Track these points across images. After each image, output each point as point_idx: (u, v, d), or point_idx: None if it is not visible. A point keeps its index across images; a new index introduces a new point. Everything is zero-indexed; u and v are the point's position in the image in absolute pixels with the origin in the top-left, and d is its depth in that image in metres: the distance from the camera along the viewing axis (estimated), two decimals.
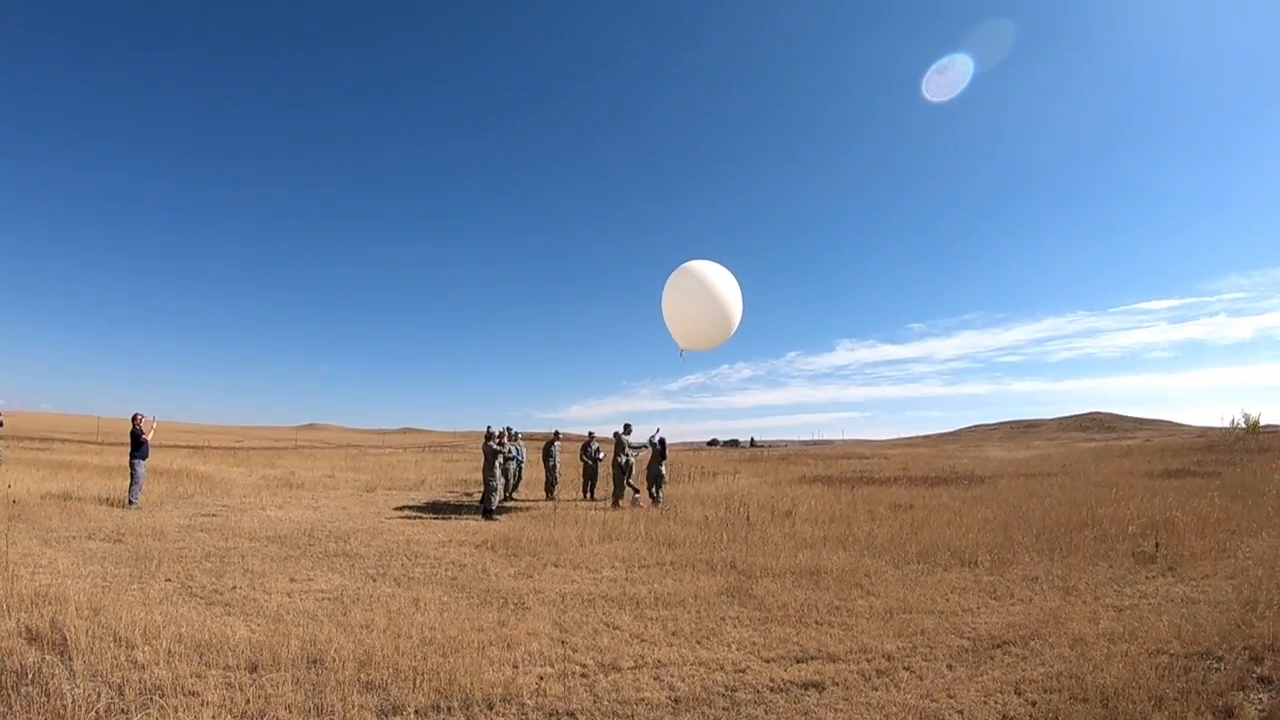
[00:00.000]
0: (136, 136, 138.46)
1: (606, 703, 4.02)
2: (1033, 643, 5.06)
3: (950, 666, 4.66)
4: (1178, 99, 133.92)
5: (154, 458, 18.69)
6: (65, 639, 4.36)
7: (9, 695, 3.48)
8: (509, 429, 15.93)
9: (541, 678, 4.33)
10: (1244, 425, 31.74)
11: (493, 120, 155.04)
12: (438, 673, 4.23)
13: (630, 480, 13.92)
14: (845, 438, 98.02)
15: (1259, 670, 4.31)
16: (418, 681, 4.11)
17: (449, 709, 3.85)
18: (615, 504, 13.58)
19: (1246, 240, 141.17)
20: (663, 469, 13.72)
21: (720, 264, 12.04)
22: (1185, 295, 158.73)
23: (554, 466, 15.81)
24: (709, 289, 11.51)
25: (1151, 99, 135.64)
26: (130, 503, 11.50)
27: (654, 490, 13.55)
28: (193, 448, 33.98)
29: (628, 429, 13.92)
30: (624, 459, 13.74)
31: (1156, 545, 8.23)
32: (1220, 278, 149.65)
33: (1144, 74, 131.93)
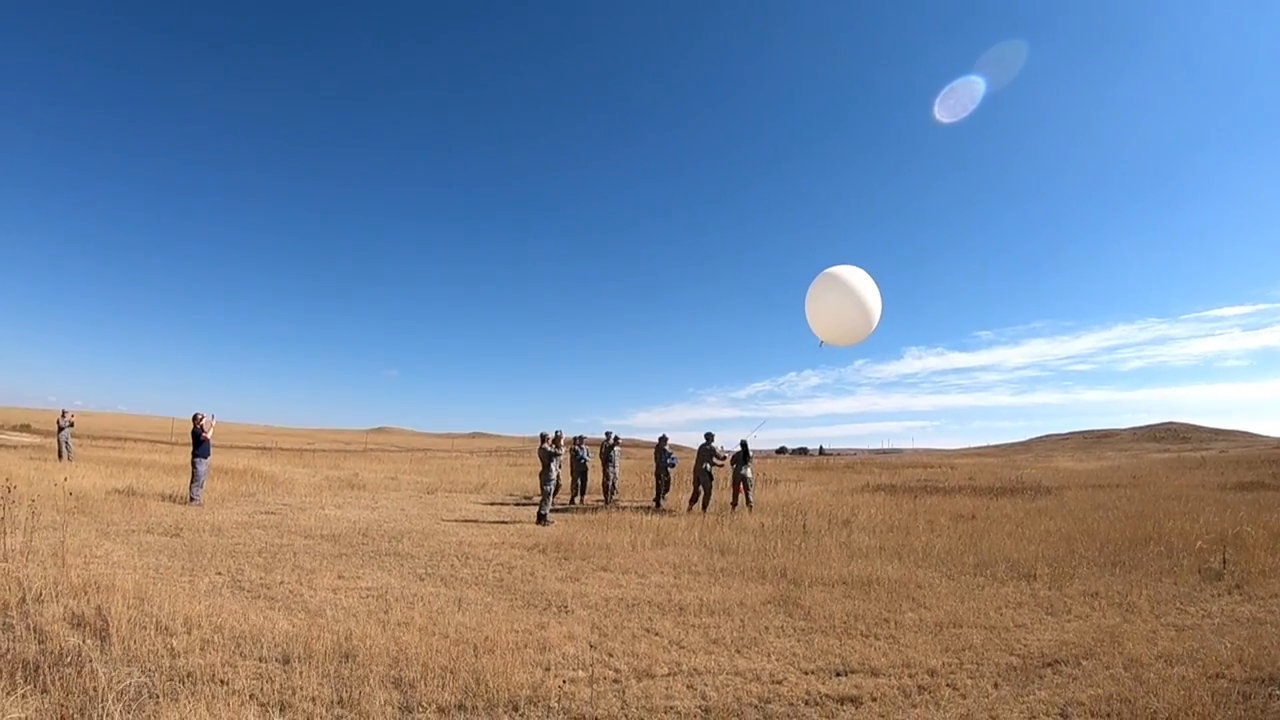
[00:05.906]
0: (219, 151, 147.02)
1: (635, 709, 3.86)
2: (1085, 662, 4.74)
3: (996, 685, 4.37)
4: (1249, 103, 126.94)
5: (222, 457, 19.50)
6: (108, 625, 4.46)
7: (45, 675, 3.56)
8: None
9: (572, 681, 4.20)
10: None
11: (561, 119, 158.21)
12: (467, 672, 4.16)
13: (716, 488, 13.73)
14: (915, 446, 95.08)
15: None
16: (446, 680, 4.05)
17: (472, 708, 3.77)
18: (690, 508, 13.54)
19: None
20: (747, 472, 13.59)
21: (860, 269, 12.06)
22: (1259, 301, 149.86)
23: (613, 470, 15.61)
24: (861, 299, 11.56)
25: (1223, 103, 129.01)
26: (191, 499, 11.87)
27: (746, 495, 13.52)
28: (261, 449, 35.36)
29: (710, 437, 13.77)
30: (709, 467, 13.57)
31: (1224, 561, 7.78)
32: None
33: (1216, 79, 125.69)
